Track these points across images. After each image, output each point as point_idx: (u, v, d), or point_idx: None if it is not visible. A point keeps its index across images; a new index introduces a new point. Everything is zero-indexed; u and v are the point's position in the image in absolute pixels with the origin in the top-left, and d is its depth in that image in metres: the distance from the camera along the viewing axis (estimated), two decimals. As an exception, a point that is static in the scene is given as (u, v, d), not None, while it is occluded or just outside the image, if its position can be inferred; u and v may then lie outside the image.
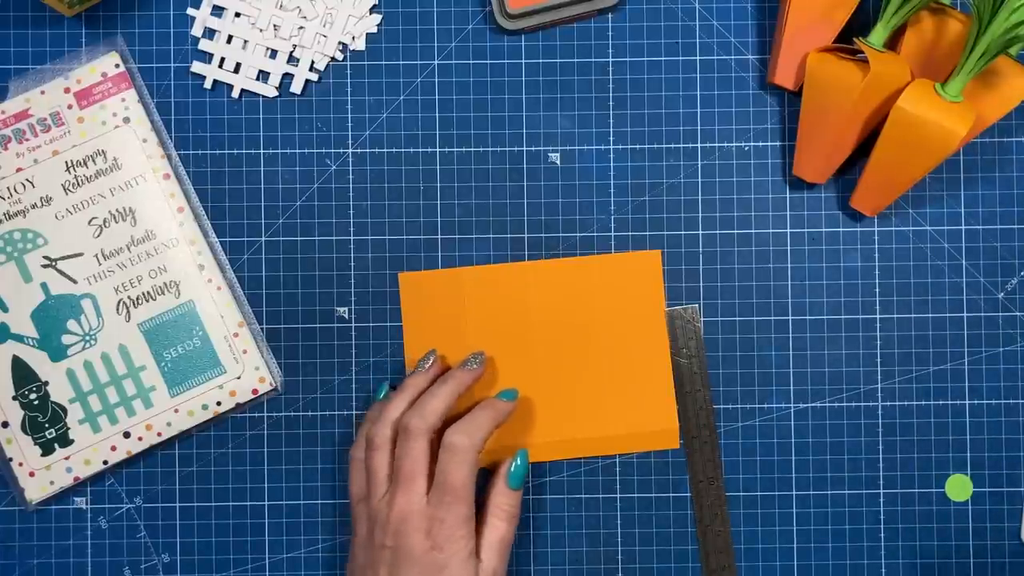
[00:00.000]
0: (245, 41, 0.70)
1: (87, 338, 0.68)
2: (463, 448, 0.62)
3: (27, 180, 0.68)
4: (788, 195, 0.70)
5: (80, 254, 0.69)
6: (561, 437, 0.70)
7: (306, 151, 0.70)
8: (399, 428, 0.64)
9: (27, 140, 0.68)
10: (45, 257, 0.68)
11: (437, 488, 0.62)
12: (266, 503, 0.70)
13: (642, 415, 0.70)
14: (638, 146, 0.70)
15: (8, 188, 0.68)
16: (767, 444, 0.70)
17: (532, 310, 0.70)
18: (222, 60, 0.70)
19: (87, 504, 0.70)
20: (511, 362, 0.70)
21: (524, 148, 0.70)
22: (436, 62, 0.70)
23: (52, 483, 0.68)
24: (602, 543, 0.70)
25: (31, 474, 0.68)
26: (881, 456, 0.70)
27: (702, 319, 0.70)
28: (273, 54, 0.70)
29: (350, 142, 0.70)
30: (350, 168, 0.70)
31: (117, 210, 0.69)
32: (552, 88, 0.70)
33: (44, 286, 0.68)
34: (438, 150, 0.70)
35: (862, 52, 0.65)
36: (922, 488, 0.70)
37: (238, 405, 0.69)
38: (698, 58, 0.70)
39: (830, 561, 0.70)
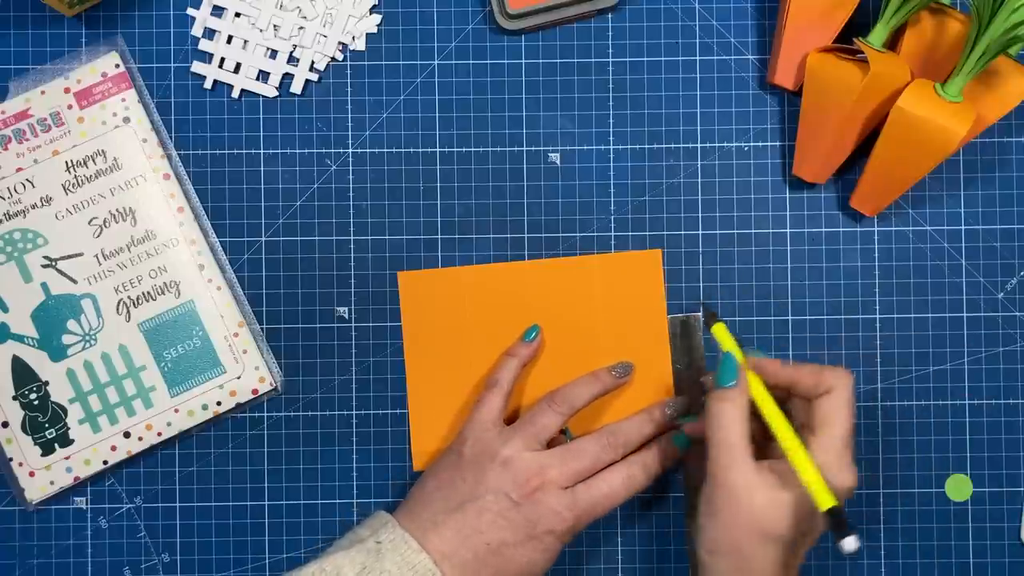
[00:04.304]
0: (245, 41, 0.70)
1: (87, 338, 0.68)
2: (628, 493, 0.64)
3: (27, 180, 0.68)
4: (788, 195, 0.70)
5: (80, 254, 0.69)
6: (561, 437, 0.70)
7: (306, 151, 0.70)
8: (604, 431, 0.65)
9: (27, 140, 0.68)
10: (45, 257, 0.68)
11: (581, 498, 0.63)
12: (266, 503, 0.70)
13: (642, 415, 0.70)
14: (638, 146, 0.70)
15: (8, 188, 0.68)
16: (767, 444, 0.70)
17: (532, 310, 0.70)
18: (222, 60, 0.70)
19: (87, 504, 0.70)
20: (511, 362, 0.70)
21: (524, 148, 0.70)
22: (436, 62, 0.70)
23: (52, 483, 0.68)
24: (602, 543, 0.70)
25: (31, 474, 0.68)
26: (881, 456, 0.70)
27: (702, 323, 0.70)
28: (273, 54, 0.70)
29: (350, 142, 0.70)
30: (350, 168, 0.70)
31: (117, 210, 0.69)
32: (552, 88, 0.70)
33: (44, 286, 0.68)
34: (438, 150, 0.70)
35: (862, 52, 0.65)
36: (922, 488, 0.70)
37: (238, 405, 0.69)
38: (698, 58, 0.70)
39: (830, 561, 0.70)
